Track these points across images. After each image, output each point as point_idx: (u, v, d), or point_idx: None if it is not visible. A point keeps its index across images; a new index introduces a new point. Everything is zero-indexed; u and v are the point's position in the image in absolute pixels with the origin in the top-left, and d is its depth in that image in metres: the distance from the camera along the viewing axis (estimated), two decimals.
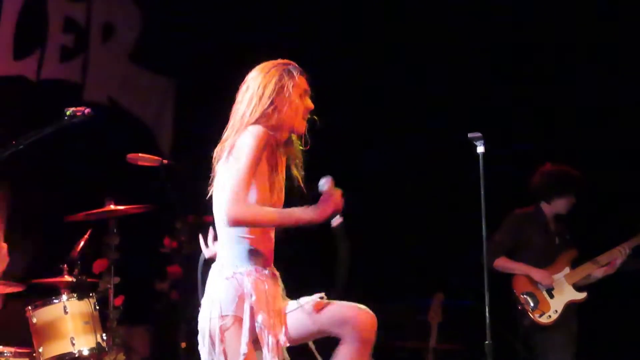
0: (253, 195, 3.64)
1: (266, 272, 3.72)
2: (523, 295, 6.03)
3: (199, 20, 7.79)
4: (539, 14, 7.53)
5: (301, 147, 3.88)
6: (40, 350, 5.57)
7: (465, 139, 4.45)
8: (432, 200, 7.38)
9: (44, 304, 5.67)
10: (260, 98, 3.74)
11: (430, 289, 7.00)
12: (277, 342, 3.66)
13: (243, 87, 3.82)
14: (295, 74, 3.80)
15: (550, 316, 5.98)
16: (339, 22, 7.74)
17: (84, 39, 7.62)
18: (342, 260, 4.15)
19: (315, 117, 3.84)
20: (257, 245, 3.70)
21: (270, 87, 3.76)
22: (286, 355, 3.78)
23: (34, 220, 6.77)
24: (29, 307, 5.68)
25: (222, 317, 3.62)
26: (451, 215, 7.22)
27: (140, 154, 6.02)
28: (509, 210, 6.32)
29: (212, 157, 3.84)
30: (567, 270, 6.11)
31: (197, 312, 6.50)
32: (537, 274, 6.06)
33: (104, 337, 5.80)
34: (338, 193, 3.59)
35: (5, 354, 5.52)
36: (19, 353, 5.64)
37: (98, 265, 6.25)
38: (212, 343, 3.63)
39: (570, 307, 6.04)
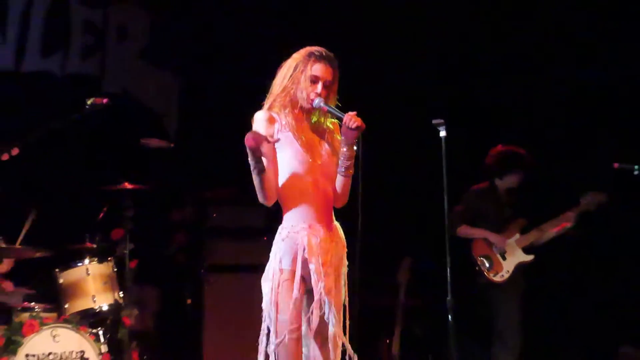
0: (283, 168, 3.83)
1: (319, 227, 3.80)
2: (480, 257, 6.30)
3: (201, 24, 7.94)
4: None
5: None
6: (66, 306, 5.93)
7: (430, 124, 4.50)
8: (400, 180, 7.57)
9: (69, 267, 5.99)
10: (281, 78, 3.89)
11: (400, 253, 7.20)
12: (329, 288, 3.75)
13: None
14: (310, 60, 3.82)
15: (503, 275, 6.23)
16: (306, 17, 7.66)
17: (102, 39, 7.85)
18: None
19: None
20: (299, 205, 3.79)
21: (287, 70, 3.87)
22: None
23: (62, 196, 6.98)
24: (57, 270, 5.99)
25: (281, 270, 3.76)
26: (418, 192, 7.34)
27: (151, 138, 6.33)
28: (466, 187, 6.55)
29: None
30: (517, 236, 6.37)
31: (201, 273, 6.96)
32: (493, 237, 6.31)
33: (121, 295, 6.12)
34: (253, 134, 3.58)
35: (36, 310, 5.84)
36: (48, 309, 5.93)
37: (115, 234, 6.36)
38: (272, 293, 3.72)
39: (520, 268, 6.29)
